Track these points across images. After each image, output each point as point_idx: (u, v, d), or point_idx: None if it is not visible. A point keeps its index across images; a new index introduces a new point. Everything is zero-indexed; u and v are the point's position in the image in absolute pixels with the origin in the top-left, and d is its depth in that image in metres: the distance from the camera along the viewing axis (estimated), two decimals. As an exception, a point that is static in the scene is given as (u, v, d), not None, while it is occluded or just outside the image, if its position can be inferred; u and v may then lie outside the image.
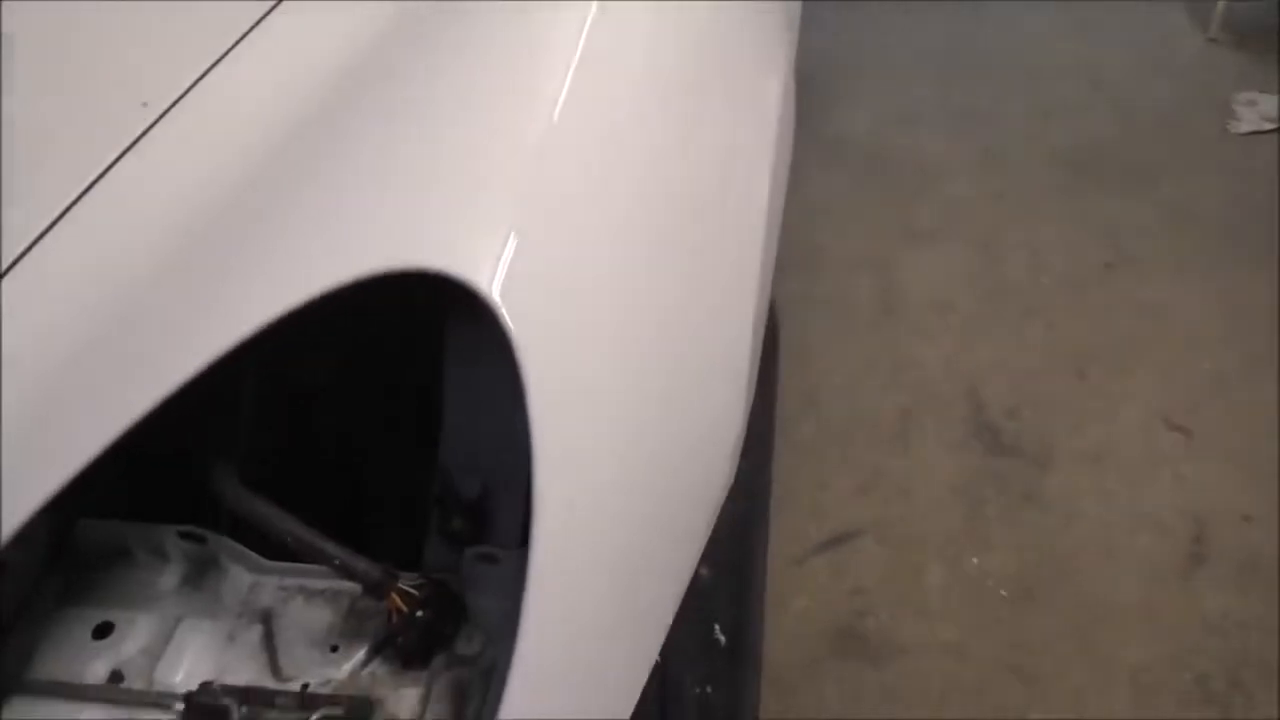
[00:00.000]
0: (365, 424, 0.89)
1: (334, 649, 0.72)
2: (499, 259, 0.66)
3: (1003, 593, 1.79)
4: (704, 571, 0.96)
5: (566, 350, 0.68)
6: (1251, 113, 2.93)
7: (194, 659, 0.72)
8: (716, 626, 0.99)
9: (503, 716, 0.61)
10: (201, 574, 0.78)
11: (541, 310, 0.67)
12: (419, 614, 0.70)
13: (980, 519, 1.91)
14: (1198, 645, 1.67)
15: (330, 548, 0.70)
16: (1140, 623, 1.71)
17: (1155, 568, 1.80)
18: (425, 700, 0.69)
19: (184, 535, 0.77)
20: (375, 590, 0.70)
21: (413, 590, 0.70)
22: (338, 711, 0.67)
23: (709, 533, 0.82)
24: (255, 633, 0.74)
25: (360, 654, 0.72)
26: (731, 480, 0.86)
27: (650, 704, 0.92)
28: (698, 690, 0.96)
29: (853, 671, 1.69)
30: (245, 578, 0.77)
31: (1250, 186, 2.65)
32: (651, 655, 0.73)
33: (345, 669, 0.71)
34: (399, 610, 0.70)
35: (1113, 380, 2.16)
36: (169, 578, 0.78)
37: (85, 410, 0.62)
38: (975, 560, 1.84)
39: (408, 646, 0.71)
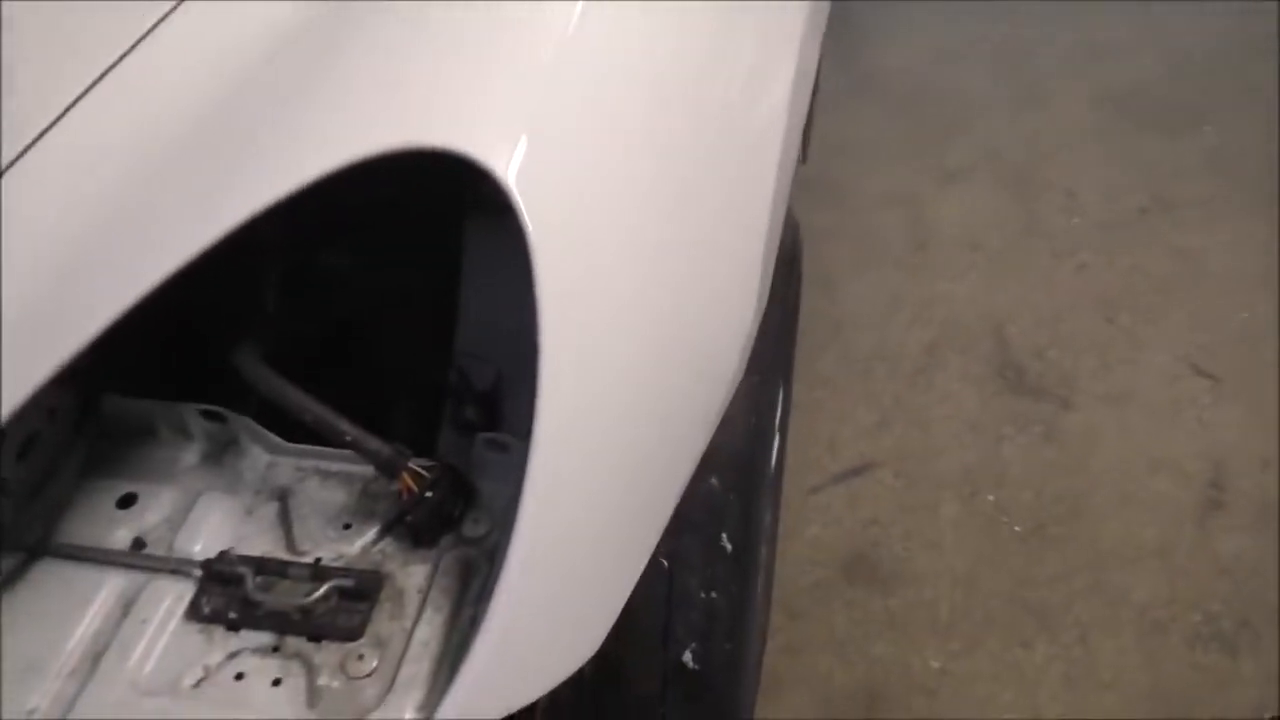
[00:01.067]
0: (383, 313, 0.90)
1: (347, 526, 0.75)
2: (516, 147, 0.66)
3: (1016, 529, 1.80)
4: (714, 482, 0.98)
5: (578, 242, 0.69)
6: (1305, 58, 2.84)
7: (213, 530, 0.75)
8: (724, 535, 1.01)
9: (500, 596, 0.63)
10: (222, 452, 0.81)
11: (556, 201, 0.67)
12: (428, 494, 0.72)
13: (998, 456, 1.91)
14: (1208, 586, 1.68)
15: (345, 425, 0.72)
16: (1152, 562, 1.72)
17: (1171, 510, 1.79)
18: (432, 577, 0.72)
19: (206, 414, 0.80)
20: (387, 468, 0.72)
21: (423, 471, 0.72)
22: (348, 583, 0.70)
23: (712, 431, 0.83)
24: (272, 509, 0.77)
25: (372, 532, 0.75)
26: (739, 379, 0.87)
27: (658, 604, 0.95)
28: (704, 594, 0.99)
29: (862, 598, 1.71)
30: (263, 457, 0.79)
31: (1298, 134, 2.58)
32: (650, 545, 0.75)
33: (357, 545, 0.74)
34: (409, 489, 0.72)
35: (1141, 324, 2.13)
36: (191, 454, 0.81)
37: (101, 279, 0.64)
38: (991, 496, 1.85)
39: (417, 525, 0.73)
